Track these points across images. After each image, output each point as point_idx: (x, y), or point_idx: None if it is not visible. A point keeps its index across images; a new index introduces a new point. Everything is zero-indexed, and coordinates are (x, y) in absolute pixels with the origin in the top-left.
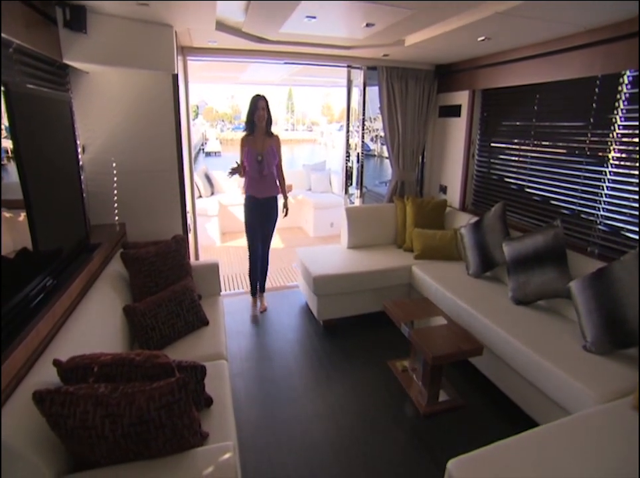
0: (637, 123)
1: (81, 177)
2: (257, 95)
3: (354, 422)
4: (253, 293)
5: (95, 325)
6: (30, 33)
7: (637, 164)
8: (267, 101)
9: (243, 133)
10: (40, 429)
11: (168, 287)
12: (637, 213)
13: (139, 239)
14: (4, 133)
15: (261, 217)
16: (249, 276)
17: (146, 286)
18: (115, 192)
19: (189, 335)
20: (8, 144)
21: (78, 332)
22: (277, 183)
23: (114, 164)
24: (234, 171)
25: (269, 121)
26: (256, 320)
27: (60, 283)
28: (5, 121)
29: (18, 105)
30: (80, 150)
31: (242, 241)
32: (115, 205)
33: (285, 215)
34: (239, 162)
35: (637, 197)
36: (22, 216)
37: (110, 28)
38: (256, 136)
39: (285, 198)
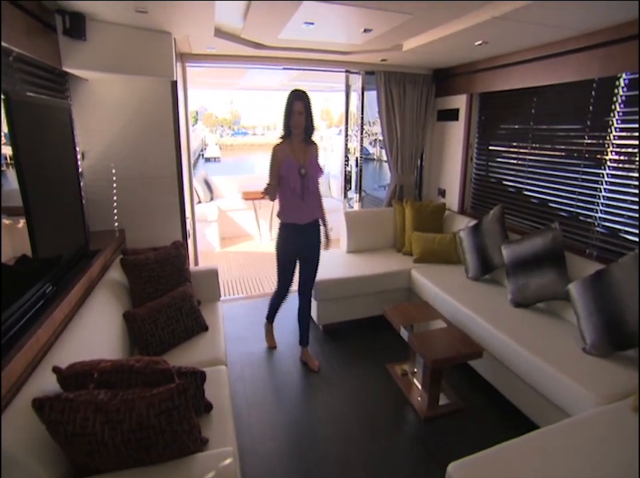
0: (635, 126)
1: (81, 184)
2: (294, 93)
3: (355, 426)
4: (270, 317)
5: (94, 332)
6: (30, 41)
7: (634, 166)
8: (306, 102)
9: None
10: (40, 437)
11: (167, 293)
12: (635, 215)
13: (138, 246)
14: (4, 139)
15: (301, 249)
16: (273, 302)
17: (145, 292)
18: (115, 198)
19: (189, 341)
20: (7, 151)
21: (78, 338)
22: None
23: (113, 171)
24: (265, 192)
25: (309, 128)
26: (271, 348)
27: (60, 289)
28: (5, 128)
29: (18, 113)
30: (79, 157)
31: (242, 247)
32: (115, 211)
33: (327, 247)
34: (269, 182)
35: (635, 199)
36: (22, 222)
37: (109, 35)
38: (294, 143)
39: (326, 224)
